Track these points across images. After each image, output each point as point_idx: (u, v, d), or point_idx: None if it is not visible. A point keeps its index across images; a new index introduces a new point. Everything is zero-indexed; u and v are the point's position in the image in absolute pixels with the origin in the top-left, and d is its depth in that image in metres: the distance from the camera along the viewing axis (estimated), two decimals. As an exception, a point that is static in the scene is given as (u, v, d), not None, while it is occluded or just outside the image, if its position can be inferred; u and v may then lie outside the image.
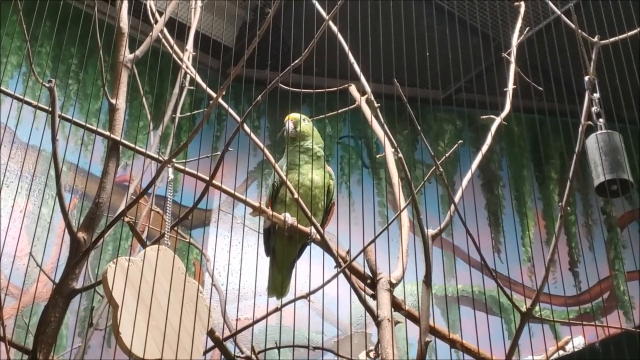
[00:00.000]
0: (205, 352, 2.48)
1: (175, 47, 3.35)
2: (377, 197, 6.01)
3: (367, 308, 2.75)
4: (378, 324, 2.71)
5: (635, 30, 3.13)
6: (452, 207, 2.87)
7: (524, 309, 2.72)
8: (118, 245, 4.80)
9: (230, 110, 3.16)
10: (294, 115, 3.50)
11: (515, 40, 3.49)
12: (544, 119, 6.19)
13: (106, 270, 2.28)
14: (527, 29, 3.53)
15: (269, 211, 3.15)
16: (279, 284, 3.44)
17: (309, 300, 3.01)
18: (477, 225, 2.75)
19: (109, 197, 2.83)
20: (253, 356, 3.15)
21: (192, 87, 3.50)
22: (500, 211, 6.49)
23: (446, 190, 2.76)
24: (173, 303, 2.31)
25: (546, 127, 6.66)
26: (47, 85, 2.67)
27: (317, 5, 3.35)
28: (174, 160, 2.68)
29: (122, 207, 2.98)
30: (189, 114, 3.97)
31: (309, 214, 3.02)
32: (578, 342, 3.62)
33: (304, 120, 3.50)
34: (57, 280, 2.69)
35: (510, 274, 5.43)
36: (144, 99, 3.71)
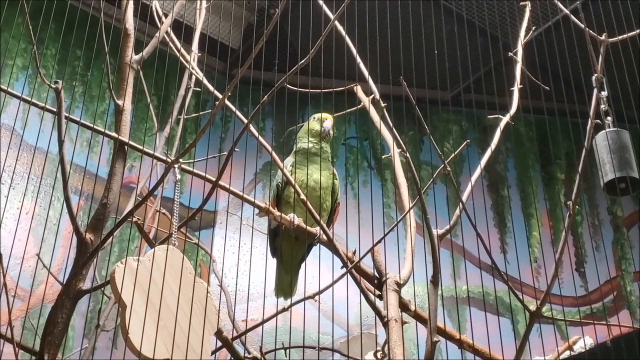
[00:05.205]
0: (213, 353, 2.47)
1: (181, 49, 3.35)
2: (384, 199, 6.00)
3: (375, 308, 2.75)
4: (385, 324, 2.70)
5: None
6: (460, 205, 2.86)
7: (532, 309, 2.72)
8: (126, 247, 4.80)
9: (237, 112, 3.15)
10: (329, 115, 3.50)
11: (521, 40, 3.48)
12: (551, 119, 6.17)
13: (114, 270, 2.27)
14: (534, 27, 3.52)
15: (276, 212, 3.15)
16: (286, 284, 3.43)
17: (318, 301, 3.01)
18: (487, 225, 2.74)
19: (116, 198, 2.83)
20: (261, 357, 3.15)
21: (198, 89, 3.50)
22: (510, 212, 6.48)
23: (453, 189, 2.76)
24: (182, 303, 2.30)
25: (553, 127, 6.65)
26: (53, 86, 2.67)
27: (324, 6, 3.35)
28: (180, 160, 2.68)
29: (129, 209, 2.98)
30: (195, 115, 3.97)
31: (316, 214, 3.01)
32: (587, 341, 3.61)
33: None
34: (64, 282, 2.69)
35: (518, 275, 5.41)
36: (149, 100, 3.71)
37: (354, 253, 2.98)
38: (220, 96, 2.73)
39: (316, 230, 3.12)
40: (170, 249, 2.42)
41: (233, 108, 3.16)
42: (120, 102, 3.00)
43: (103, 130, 2.98)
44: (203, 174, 2.89)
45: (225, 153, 2.52)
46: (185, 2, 3.54)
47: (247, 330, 3.18)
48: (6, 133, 4.60)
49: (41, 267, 3.38)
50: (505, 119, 3.25)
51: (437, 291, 2.74)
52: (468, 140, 3.05)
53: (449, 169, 2.73)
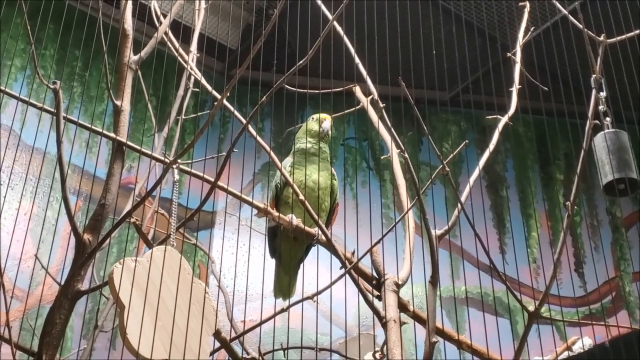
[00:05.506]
0: (211, 353, 2.47)
1: (180, 49, 3.34)
2: (383, 199, 6.00)
3: (374, 309, 2.74)
4: (384, 325, 2.70)
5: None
6: (459, 206, 2.86)
7: (531, 310, 2.72)
8: (124, 247, 4.80)
9: (235, 112, 3.15)
10: (328, 115, 3.50)
11: (520, 40, 3.48)
12: (550, 120, 6.18)
13: (112, 270, 2.27)
14: (533, 28, 3.53)
15: (275, 212, 3.15)
16: (285, 285, 3.43)
17: (316, 302, 3.00)
18: (485, 226, 2.74)
19: (114, 198, 2.82)
20: (259, 357, 3.14)
21: (196, 90, 3.50)
22: (509, 212, 6.48)
23: (452, 190, 2.76)
24: (180, 304, 2.30)
25: (551, 128, 6.66)
26: (52, 86, 2.67)
27: (322, 7, 3.35)
28: (179, 161, 2.67)
29: (127, 209, 2.98)
30: (193, 115, 3.97)
31: (314, 215, 3.01)
32: (586, 342, 3.61)
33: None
34: (62, 283, 2.68)
35: (516, 275, 5.41)
36: (148, 101, 3.71)
37: (353, 253, 2.98)
38: (219, 97, 2.72)
39: (315, 230, 3.12)
40: (169, 249, 2.42)
41: (231, 108, 3.15)
42: (118, 103, 3.00)
43: (101, 130, 2.98)
44: (201, 174, 2.89)
45: (223, 154, 2.52)
46: (183, 3, 3.54)
47: (246, 331, 3.18)
48: (4, 134, 4.60)
49: (39, 267, 3.37)
50: (504, 120, 3.25)
51: (436, 292, 2.73)
52: (467, 141, 3.05)
53: (447, 169, 2.73)
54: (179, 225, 2.62)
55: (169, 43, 3.37)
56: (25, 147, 4.77)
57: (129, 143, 2.92)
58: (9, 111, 4.46)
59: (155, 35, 3.28)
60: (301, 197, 3.10)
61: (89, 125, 2.97)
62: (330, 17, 3.10)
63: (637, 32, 3.09)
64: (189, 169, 2.90)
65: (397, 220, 2.79)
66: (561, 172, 6.73)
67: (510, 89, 3.35)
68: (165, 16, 3.41)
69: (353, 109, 3.54)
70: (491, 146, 3.11)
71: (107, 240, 2.68)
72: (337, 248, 2.89)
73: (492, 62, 5.37)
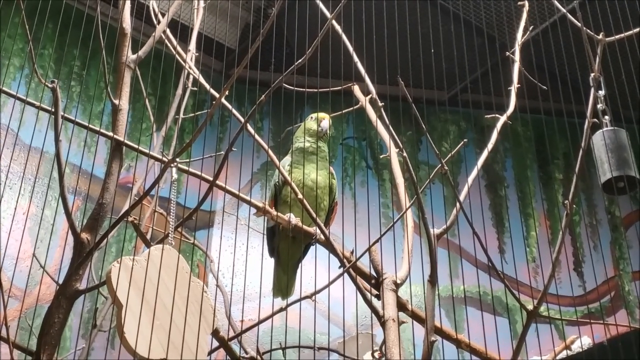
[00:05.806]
0: (210, 353, 2.46)
1: (178, 48, 3.34)
2: (381, 199, 6.00)
3: (372, 308, 2.74)
4: (383, 324, 2.70)
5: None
6: (458, 205, 2.86)
7: (530, 309, 2.72)
8: (122, 247, 4.79)
9: (234, 111, 3.15)
10: (327, 115, 3.50)
11: (519, 40, 3.48)
12: (548, 119, 6.17)
13: (110, 269, 2.27)
14: (532, 27, 3.52)
15: (274, 212, 3.14)
16: (284, 284, 3.43)
17: (314, 301, 3.00)
18: (483, 225, 2.74)
19: (113, 198, 2.82)
20: (258, 357, 3.14)
21: (195, 88, 3.50)
22: (507, 212, 6.48)
23: (451, 189, 2.76)
24: (177, 302, 2.30)
25: (550, 127, 6.65)
26: (50, 85, 2.66)
27: (321, 6, 3.34)
28: (177, 160, 2.67)
29: (126, 208, 2.97)
30: (192, 114, 3.97)
31: (313, 214, 3.01)
32: (585, 341, 3.61)
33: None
34: (60, 282, 2.68)
35: (515, 275, 5.42)
36: (146, 100, 3.70)
37: (352, 253, 2.98)
38: (217, 96, 2.72)
39: (314, 230, 3.11)
40: (166, 248, 2.42)
41: (229, 106, 3.15)
42: (116, 102, 2.99)
43: (99, 129, 2.98)
44: (200, 173, 2.88)
45: (222, 153, 2.51)
46: (182, 2, 3.53)
47: (244, 330, 3.17)
48: (2, 133, 4.59)
49: (37, 266, 3.37)
50: (503, 119, 3.25)
51: (435, 291, 2.73)
52: (465, 140, 3.05)
53: (446, 167, 2.73)
54: (178, 224, 2.62)
55: (167, 42, 3.36)
56: (24, 146, 4.76)
57: (127, 142, 2.92)
58: (7, 110, 4.45)
59: (154, 34, 3.27)
60: (300, 196, 3.10)
61: (87, 124, 2.96)
62: (329, 16, 3.09)
63: (636, 30, 3.09)
64: (187, 168, 2.90)
65: (395, 220, 2.78)
66: (560, 171, 6.73)
67: (509, 88, 3.35)
68: (163, 15, 3.40)
69: (352, 108, 3.54)
70: (490, 145, 3.10)
71: (105, 240, 2.68)
72: (335, 247, 2.89)
73: (491, 62, 5.36)
